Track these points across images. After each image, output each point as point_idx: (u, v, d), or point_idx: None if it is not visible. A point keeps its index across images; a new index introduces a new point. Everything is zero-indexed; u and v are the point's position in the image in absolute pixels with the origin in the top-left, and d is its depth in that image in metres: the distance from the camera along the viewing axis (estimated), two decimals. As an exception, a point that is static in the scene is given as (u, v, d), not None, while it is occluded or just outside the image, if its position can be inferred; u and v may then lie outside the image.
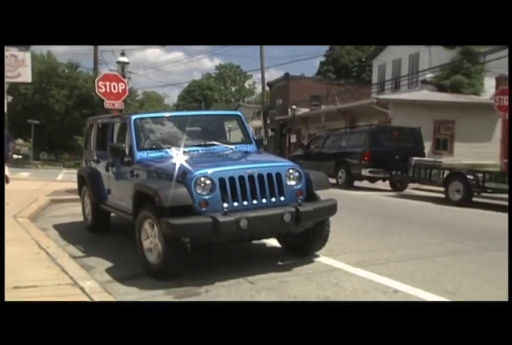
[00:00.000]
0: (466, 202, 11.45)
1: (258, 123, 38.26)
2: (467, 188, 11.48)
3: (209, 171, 5.04)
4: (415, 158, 13.96)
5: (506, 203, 11.73)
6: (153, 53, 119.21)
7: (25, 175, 22.36)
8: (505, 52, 18.88)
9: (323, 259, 5.92)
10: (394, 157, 15.11)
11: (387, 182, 16.00)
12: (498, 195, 11.98)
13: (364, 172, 15.59)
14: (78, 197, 8.78)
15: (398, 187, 15.67)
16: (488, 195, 11.96)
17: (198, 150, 6.23)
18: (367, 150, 15.68)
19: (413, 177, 13.64)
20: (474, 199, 11.74)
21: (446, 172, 12.42)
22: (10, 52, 16.91)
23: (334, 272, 5.38)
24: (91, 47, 24.93)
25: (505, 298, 4.39)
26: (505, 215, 9.76)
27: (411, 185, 15.47)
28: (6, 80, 17.06)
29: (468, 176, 11.59)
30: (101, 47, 28.53)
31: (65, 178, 19.85)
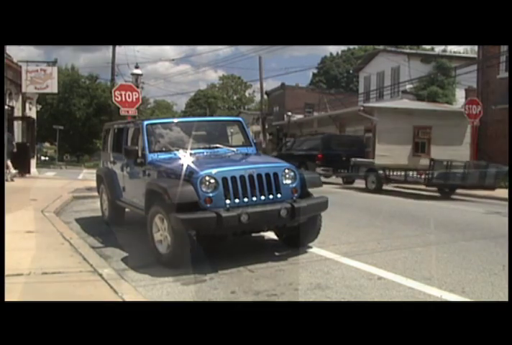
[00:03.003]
0: (379, 190, 13.63)
1: (257, 128, 38.20)
2: (378, 180, 13.85)
3: (213, 171, 5.01)
4: (353, 159, 15.66)
5: (405, 191, 14.17)
6: (163, 65, 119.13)
7: (51, 175, 22.32)
8: (473, 67, 19.06)
9: (315, 250, 5.89)
10: (341, 159, 16.95)
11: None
12: (400, 185, 14.48)
13: (318, 170, 17.13)
14: (96, 194, 8.74)
15: (347, 181, 17.38)
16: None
17: (203, 152, 6.19)
18: (320, 153, 17.90)
19: (351, 173, 15.65)
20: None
21: (366, 168, 14.59)
22: (40, 66, 16.98)
23: (325, 261, 5.34)
24: (109, 61, 24.91)
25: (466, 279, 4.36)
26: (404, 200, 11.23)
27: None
28: (35, 91, 17.14)
29: (379, 171, 13.86)
30: (117, 61, 28.51)
31: (86, 177, 19.81)
